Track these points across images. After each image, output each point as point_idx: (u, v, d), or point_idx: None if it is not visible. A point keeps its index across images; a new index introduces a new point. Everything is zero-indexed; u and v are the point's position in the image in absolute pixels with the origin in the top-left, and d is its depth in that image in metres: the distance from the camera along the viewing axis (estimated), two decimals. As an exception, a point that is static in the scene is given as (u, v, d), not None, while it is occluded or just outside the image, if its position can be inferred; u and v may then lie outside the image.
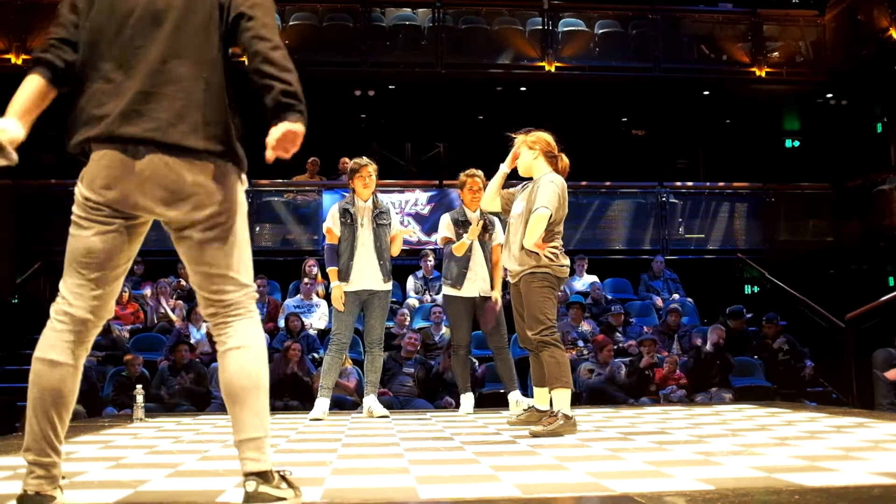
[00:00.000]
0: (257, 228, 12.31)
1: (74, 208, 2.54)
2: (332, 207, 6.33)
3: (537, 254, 4.73)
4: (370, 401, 6.27)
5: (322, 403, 6.06)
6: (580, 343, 9.67)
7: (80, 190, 2.54)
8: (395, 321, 9.67)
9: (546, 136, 5.02)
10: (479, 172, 6.44)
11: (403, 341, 8.81)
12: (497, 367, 6.58)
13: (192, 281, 2.52)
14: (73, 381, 2.44)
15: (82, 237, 2.49)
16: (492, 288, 6.38)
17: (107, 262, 2.47)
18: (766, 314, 10.20)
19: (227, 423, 5.62)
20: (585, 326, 9.93)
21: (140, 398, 5.80)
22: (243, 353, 2.44)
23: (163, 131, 2.36)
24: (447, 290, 6.45)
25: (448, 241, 6.44)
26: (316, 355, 9.05)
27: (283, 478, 2.48)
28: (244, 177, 2.56)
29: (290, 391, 8.34)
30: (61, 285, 2.48)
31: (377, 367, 6.31)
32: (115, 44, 2.44)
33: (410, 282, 10.95)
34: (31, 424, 2.41)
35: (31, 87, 2.59)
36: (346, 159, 12.72)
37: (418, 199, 12.34)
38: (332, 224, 6.20)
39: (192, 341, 9.23)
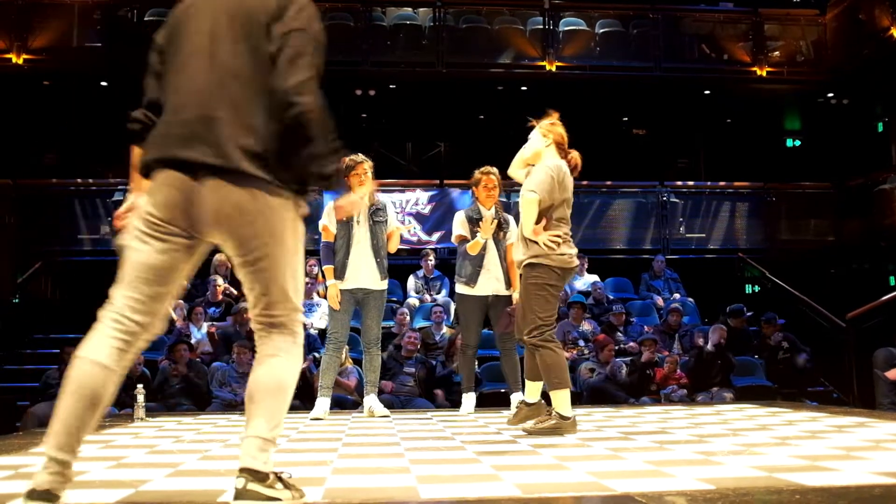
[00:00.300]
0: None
1: (136, 222, 2.54)
2: (327, 205, 6.26)
3: (537, 243, 4.60)
4: (371, 400, 6.25)
5: (322, 403, 6.04)
6: (581, 343, 9.67)
7: (143, 207, 2.54)
8: (395, 320, 9.67)
9: (561, 130, 4.97)
10: (494, 170, 6.36)
11: (403, 341, 8.81)
12: (502, 366, 6.51)
13: (245, 291, 2.59)
14: (112, 387, 2.41)
15: (143, 251, 2.50)
16: (508, 286, 6.29)
17: (165, 278, 2.50)
18: (765, 314, 10.20)
19: (228, 423, 5.63)
20: (586, 326, 9.92)
21: (141, 398, 5.80)
22: (274, 360, 2.52)
23: (218, 156, 2.40)
24: (460, 288, 6.40)
25: (463, 240, 6.40)
26: (317, 355, 9.05)
27: (280, 479, 2.48)
28: (303, 202, 2.57)
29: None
30: (115, 294, 2.50)
31: (376, 367, 6.28)
32: (179, 71, 2.53)
33: (411, 281, 10.95)
34: (61, 419, 2.32)
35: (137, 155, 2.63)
36: (347, 159, 12.73)
37: (419, 198, 12.34)
38: (327, 221, 6.16)
39: (193, 341, 9.23)
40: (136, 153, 2.61)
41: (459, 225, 6.48)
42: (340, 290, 6.05)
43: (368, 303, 6.12)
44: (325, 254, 6.13)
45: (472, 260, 6.28)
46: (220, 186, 2.40)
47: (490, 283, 6.27)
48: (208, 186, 2.40)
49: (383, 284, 6.17)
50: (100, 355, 2.39)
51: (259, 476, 2.42)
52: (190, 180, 2.41)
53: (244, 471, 2.43)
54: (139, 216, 2.52)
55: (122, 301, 2.47)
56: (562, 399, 4.55)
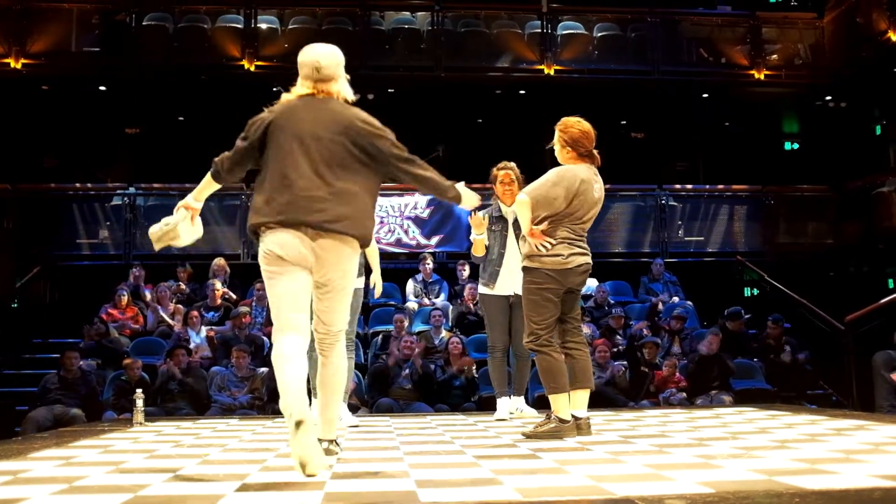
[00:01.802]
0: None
1: (265, 266, 3.42)
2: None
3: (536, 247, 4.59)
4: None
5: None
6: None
7: (263, 251, 3.42)
8: (393, 324, 9.67)
9: (576, 128, 4.80)
10: (512, 164, 6.17)
11: (401, 344, 8.81)
12: (513, 370, 6.34)
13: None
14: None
15: (280, 283, 3.40)
16: None
17: (302, 295, 3.42)
18: (772, 315, 10.17)
19: (227, 427, 5.62)
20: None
21: (140, 402, 5.79)
22: (330, 365, 3.56)
23: (319, 219, 3.34)
24: (481, 288, 6.21)
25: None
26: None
27: (337, 443, 3.68)
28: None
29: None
30: (279, 323, 3.41)
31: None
32: (284, 160, 3.40)
33: (410, 285, 10.95)
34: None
35: (206, 182, 3.84)
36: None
37: (418, 202, 12.34)
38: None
39: (192, 345, 9.22)
40: (211, 182, 3.90)
41: None
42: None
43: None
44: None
45: (492, 260, 6.10)
46: (318, 237, 3.45)
47: (510, 282, 6.00)
48: (309, 235, 3.45)
49: (359, 282, 5.90)
50: (302, 352, 3.42)
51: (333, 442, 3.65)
52: (299, 234, 3.45)
53: (322, 441, 3.49)
54: (263, 261, 3.45)
55: (286, 324, 3.48)
56: (560, 403, 4.54)
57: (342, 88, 3.61)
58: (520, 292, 5.68)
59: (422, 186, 3.73)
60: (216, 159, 3.68)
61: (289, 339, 3.35)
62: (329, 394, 3.59)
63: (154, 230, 3.83)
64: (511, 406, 6.17)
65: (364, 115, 3.61)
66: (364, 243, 3.49)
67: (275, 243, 3.37)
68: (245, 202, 12.31)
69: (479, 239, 5.99)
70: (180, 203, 3.84)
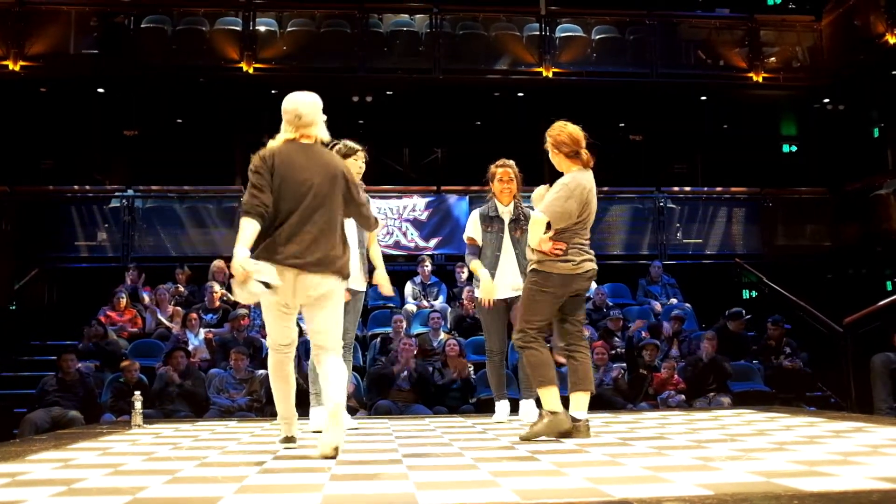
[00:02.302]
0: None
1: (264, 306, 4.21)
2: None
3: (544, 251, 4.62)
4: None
5: (318, 413, 5.45)
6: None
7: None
8: (391, 327, 9.67)
9: (562, 131, 4.86)
10: (510, 162, 6.03)
11: (399, 347, 8.80)
12: (518, 371, 6.16)
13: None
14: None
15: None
16: None
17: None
18: (771, 317, 10.17)
19: (226, 430, 5.61)
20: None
21: (138, 404, 5.78)
22: (327, 374, 4.01)
23: (303, 258, 3.99)
24: (477, 292, 5.99)
25: (472, 243, 6.02)
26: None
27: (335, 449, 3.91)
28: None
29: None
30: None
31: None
32: (288, 209, 4.03)
33: (408, 287, 10.95)
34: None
35: (253, 230, 4.09)
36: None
37: (416, 204, 12.35)
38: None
39: (190, 348, 9.22)
40: (256, 228, 4.17)
41: (472, 226, 6.08)
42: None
43: (347, 305, 5.63)
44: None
45: (487, 262, 5.92)
46: (305, 274, 4.09)
47: (506, 285, 5.87)
48: (303, 274, 4.10)
49: (362, 286, 5.83)
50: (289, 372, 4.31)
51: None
52: (296, 272, 4.11)
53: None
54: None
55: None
56: (549, 396, 4.56)
57: (320, 132, 4.22)
58: (516, 294, 5.75)
59: (365, 226, 4.62)
60: (249, 205, 4.05)
61: None
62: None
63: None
64: (523, 412, 5.95)
65: (345, 165, 4.34)
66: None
67: None
68: (244, 204, 12.30)
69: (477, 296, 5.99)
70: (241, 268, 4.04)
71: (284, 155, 4.09)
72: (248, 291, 3.93)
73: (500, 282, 5.90)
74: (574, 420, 4.58)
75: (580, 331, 4.85)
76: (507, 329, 5.94)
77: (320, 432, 5.23)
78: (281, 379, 4.25)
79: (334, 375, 3.95)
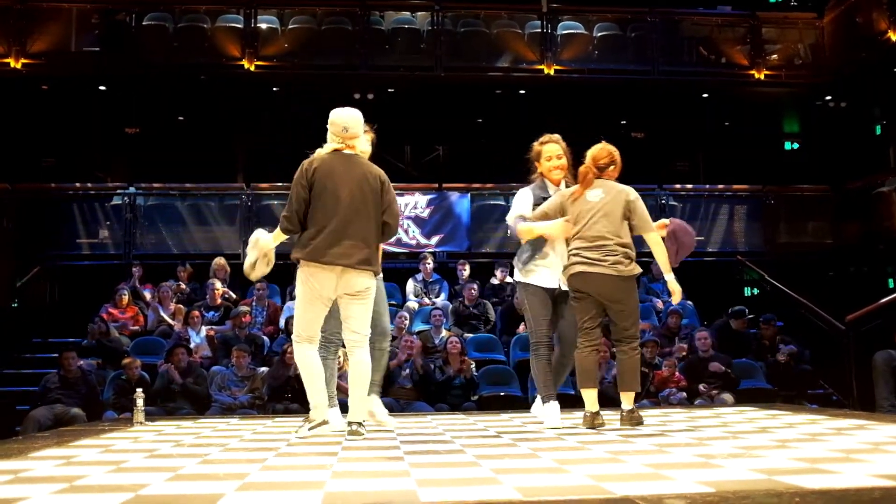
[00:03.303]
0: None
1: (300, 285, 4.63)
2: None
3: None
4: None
5: (334, 414, 5.16)
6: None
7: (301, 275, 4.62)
8: (394, 324, 9.67)
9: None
10: (556, 136, 5.49)
11: (402, 344, 8.81)
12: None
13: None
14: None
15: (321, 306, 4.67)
16: None
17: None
18: (763, 315, 10.20)
19: (228, 427, 5.62)
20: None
21: (140, 402, 5.78)
22: (355, 364, 4.62)
23: (348, 258, 4.49)
24: (519, 276, 5.39)
25: (522, 220, 5.27)
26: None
27: (362, 424, 4.61)
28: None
29: (291, 394, 8.34)
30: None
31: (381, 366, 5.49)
32: (330, 214, 4.51)
33: (410, 285, 10.96)
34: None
35: (279, 238, 4.78)
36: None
37: (418, 202, 12.35)
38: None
39: (192, 345, 9.23)
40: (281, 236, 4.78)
41: (524, 203, 5.33)
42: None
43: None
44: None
45: (536, 251, 5.28)
46: (344, 271, 4.61)
47: (556, 277, 5.28)
48: (339, 270, 4.62)
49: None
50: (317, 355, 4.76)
51: (360, 423, 4.60)
52: (331, 269, 4.63)
53: (351, 423, 4.57)
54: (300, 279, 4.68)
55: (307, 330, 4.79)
56: (587, 398, 5.07)
57: (360, 144, 4.76)
58: (565, 287, 5.22)
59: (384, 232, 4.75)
60: (283, 222, 4.63)
61: None
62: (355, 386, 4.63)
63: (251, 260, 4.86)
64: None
65: (382, 173, 4.71)
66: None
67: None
68: (245, 202, 12.31)
69: (547, 232, 5.15)
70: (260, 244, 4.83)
71: (327, 164, 4.59)
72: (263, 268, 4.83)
73: (553, 272, 5.29)
74: (622, 411, 5.05)
75: (625, 328, 5.01)
76: (553, 323, 5.33)
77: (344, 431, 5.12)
78: (310, 367, 4.66)
79: (364, 366, 4.63)
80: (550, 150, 5.42)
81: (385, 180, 4.67)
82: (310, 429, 4.73)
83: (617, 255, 4.97)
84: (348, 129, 4.64)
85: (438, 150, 15.75)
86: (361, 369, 4.60)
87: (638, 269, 5.12)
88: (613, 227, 5.03)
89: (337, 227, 4.49)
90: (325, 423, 4.77)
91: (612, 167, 5.26)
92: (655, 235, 5.24)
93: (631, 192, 5.17)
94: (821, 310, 10.54)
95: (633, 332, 5.02)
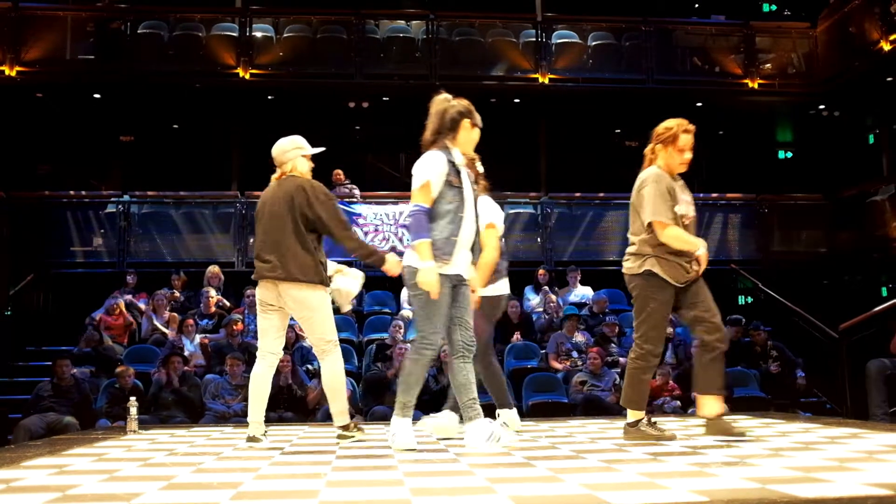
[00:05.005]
0: (251, 240, 12.31)
1: (258, 307, 4.86)
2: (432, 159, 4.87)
3: None
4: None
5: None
6: (574, 354, 9.68)
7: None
8: (389, 332, 9.66)
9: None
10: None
11: (396, 352, 8.80)
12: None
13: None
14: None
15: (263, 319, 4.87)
16: None
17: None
18: (753, 323, 10.22)
19: (222, 435, 5.61)
20: (580, 337, 9.93)
21: (133, 410, 5.77)
22: (325, 375, 4.81)
23: (288, 274, 4.68)
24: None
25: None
26: (310, 367, 9.04)
27: (357, 426, 4.89)
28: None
29: (285, 403, 8.33)
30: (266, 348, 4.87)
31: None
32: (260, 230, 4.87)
33: (405, 293, 10.94)
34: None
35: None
36: (340, 171, 12.73)
37: (412, 210, 12.33)
38: (432, 176, 4.76)
39: (186, 353, 9.20)
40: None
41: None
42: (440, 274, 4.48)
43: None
44: (420, 223, 4.49)
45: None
46: (283, 285, 4.78)
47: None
48: (280, 285, 4.78)
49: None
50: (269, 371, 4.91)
51: (345, 428, 4.85)
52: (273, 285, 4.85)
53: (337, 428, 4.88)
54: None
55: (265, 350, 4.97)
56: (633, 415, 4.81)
57: (298, 165, 4.91)
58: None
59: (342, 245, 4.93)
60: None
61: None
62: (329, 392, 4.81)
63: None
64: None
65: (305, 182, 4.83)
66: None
67: None
68: (240, 210, 12.31)
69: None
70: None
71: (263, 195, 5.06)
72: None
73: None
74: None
75: (706, 329, 4.83)
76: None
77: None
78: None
79: (329, 375, 4.87)
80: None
81: (307, 187, 4.77)
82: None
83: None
84: (274, 159, 4.94)
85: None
86: (329, 381, 4.79)
87: (639, 268, 4.88)
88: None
89: (258, 244, 4.83)
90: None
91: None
92: None
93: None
94: (814, 318, 10.56)
95: (634, 336, 4.88)
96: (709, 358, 4.75)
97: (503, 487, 3.02)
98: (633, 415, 4.75)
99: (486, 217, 5.39)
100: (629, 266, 4.92)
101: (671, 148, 5.28)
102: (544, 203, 12.67)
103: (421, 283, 4.41)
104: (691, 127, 5.33)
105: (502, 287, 5.68)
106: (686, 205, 5.03)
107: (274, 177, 4.95)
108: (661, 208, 4.94)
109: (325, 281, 4.78)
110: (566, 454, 4.14)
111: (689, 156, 5.26)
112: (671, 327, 10.23)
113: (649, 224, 4.88)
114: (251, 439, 4.68)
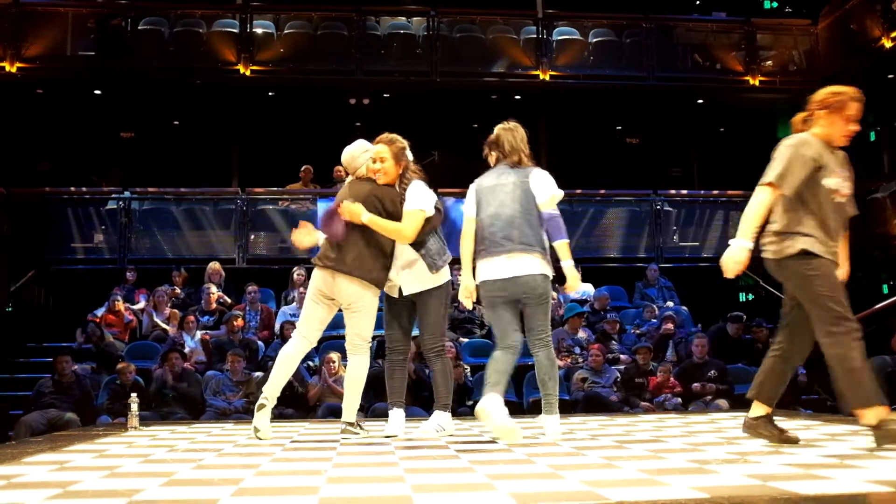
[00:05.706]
0: (252, 236, 12.32)
1: (310, 293, 5.04)
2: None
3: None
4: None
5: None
6: (577, 350, 9.67)
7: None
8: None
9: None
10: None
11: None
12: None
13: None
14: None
15: (312, 306, 5.07)
16: None
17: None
18: (754, 320, 10.19)
19: (222, 432, 5.61)
20: (581, 334, 9.93)
21: (134, 406, 5.77)
22: (351, 369, 5.02)
23: (344, 266, 4.90)
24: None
25: None
26: (311, 363, 9.04)
27: (360, 425, 5.05)
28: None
29: (284, 400, 8.32)
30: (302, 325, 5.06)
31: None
32: None
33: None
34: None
35: None
36: (340, 168, 12.72)
37: (413, 207, 12.32)
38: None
39: (186, 350, 9.21)
40: None
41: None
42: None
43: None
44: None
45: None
46: (341, 277, 4.98)
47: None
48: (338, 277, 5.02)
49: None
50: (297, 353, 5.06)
51: (350, 424, 4.99)
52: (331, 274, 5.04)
53: (343, 423, 5.02)
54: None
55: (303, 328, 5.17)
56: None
57: (361, 171, 5.13)
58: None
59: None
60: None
61: None
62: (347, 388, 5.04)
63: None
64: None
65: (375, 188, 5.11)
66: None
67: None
68: (240, 206, 12.30)
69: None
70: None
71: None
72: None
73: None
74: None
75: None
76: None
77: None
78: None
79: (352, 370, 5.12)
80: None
81: (382, 196, 5.07)
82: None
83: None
84: (346, 166, 5.21)
85: (434, 156, 15.74)
86: (352, 372, 5.00)
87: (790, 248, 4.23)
88: None
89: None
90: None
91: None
92: None
93: None
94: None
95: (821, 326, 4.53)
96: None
97: (504, 484, 3.02)
98: (872, 413, 4.07)
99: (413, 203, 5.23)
100: (774, 249, 4.25)
101: (837, 116, 4.48)
102: (545, 200, 12.53)
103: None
104: (862, 96, 4.64)
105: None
106: (841, 179, 4.28)
107: (347, 180, 5.21)
108: (790, 174, 4.17)
109: (379, 282, 4.97)
110: (567, 451, 4.14)
111: (854, 127, 4.54)
112: (671, 324, 10.23)
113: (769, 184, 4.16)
114: (260, 406, 4.85)
